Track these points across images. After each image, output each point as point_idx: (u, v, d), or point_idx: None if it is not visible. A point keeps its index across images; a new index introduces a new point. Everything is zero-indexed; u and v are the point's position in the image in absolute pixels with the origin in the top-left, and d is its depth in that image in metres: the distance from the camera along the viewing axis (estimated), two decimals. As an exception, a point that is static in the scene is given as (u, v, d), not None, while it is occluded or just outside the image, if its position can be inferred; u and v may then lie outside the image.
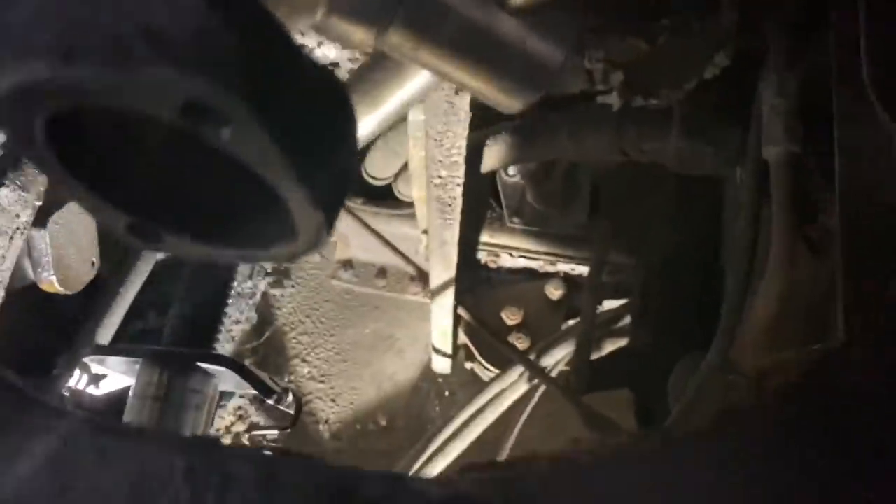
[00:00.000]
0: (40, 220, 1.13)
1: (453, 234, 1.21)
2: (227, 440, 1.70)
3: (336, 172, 0.34)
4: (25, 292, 1.26)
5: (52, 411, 0.38)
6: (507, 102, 0.60)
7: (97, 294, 1.51)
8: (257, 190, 0.33)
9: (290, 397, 1.08)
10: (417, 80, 0.69)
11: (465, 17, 0.61)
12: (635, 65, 1.13)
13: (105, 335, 1.51)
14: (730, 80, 1.14)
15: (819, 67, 0.96)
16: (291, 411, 1.09)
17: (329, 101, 0.35)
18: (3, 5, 0.32)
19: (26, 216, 0.97)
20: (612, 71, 1.13)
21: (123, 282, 1.46)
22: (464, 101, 0.84)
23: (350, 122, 0.35)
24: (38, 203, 1.00)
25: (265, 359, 2.04)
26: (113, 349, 1.16)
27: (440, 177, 1.02)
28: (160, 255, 1.64)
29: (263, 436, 1.76)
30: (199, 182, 0.36)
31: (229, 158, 0.31)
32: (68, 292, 1.21)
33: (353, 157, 0.37)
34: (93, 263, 1.26)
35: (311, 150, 0.33)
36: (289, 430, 1.46)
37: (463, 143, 0.94)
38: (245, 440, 1.78)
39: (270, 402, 1.03)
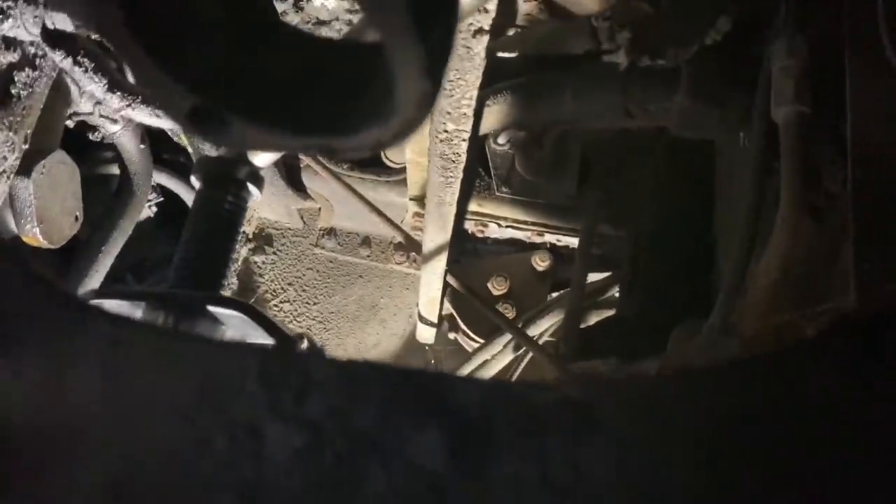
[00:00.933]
0: (24, 168, 1.08)
1: (453, 194, 1.18)
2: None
3: (444, 39, 0.31)
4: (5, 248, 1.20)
5: (102, 315, 0.35)
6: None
7: (76, 255, 1.46)
8: (345, 62, 0.30)
9: (305, 343, 1.04)
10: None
11: None
12: (641, 25, 1.11)
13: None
14: (735, 44, 1.13)
15: (830, 27, 0.95)
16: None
17: None
18: None
19: (13, 159, 0.92)
20: (618, 30, 1.12)
21: (105, 241, 1.41)
22: (480, 46, 0.81)
23: None
24: (26, 147, 0.95)
25: (245, 327, 2.00)
26: (113, 292, 1.07)
27: (446, 131, 0.99)
28: (146, 213, 1.58)
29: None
30: (273, 59, 0.33)
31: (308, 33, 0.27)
32: (52, 246, 1.16)
33: (455, 30, 0.34)
34: (76, 217, 1.21)
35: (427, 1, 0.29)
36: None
37: (475, 93, 0.91)
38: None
39: (284, 348, 0.99)
